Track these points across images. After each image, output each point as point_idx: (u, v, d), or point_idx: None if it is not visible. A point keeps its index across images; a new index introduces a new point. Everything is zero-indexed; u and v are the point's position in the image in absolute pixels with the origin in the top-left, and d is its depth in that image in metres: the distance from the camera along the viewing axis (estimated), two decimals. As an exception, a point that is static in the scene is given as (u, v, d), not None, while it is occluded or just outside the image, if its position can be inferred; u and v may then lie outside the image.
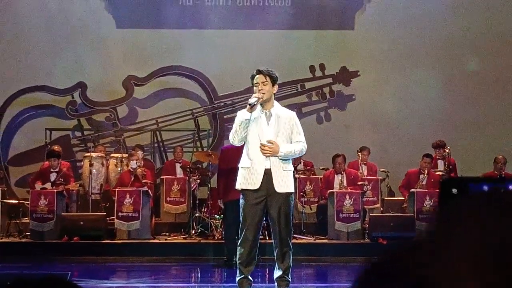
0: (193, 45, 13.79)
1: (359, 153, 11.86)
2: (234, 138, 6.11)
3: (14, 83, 13.70)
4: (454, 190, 1.04)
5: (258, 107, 6.12)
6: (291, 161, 6.28)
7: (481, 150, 12.93)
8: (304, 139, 6.23)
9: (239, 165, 6.26)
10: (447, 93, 13.77)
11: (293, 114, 6.27)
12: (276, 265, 6.27)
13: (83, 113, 13.96)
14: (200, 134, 13.79)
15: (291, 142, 6.17)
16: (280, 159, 6.09)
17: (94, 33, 13.72)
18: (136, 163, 11.17)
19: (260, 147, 6.04)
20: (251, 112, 6.00)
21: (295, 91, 13.95)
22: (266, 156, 6.06)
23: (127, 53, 13.83)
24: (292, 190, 6.22)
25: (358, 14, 14.00)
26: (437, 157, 11.81)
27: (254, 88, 6.15)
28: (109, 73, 13.77)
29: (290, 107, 13.42)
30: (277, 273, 6.26)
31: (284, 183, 6.11)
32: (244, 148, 6.20)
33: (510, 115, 13.67)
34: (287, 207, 6.15)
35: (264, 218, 6.49)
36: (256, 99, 5.99)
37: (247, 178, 6.11)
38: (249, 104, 5.97)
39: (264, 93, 6.05)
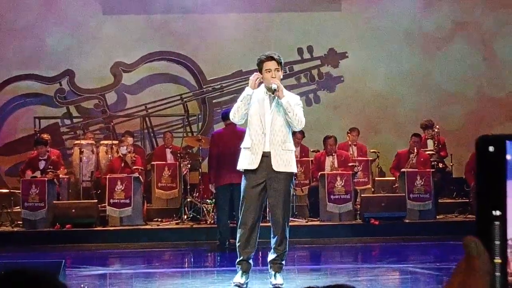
0: (180, 30, 13.73)
1: (349, 134, 11.91)
2: (234, 115, 6.11)
3: (1, 72, 13.61)
4: (491, 148, 0.98)
5: (263, 89, 6.15)
6: (291, 141, 6.22)
7: (472, 128, 12.95)
8: (304, 118, 6.21)
9: (241, 146, 6.26)
10: (436, 73, 13.78)
11: (297, 98, 6.34)
12: (272, 248, 6.23)
13: (72, 100, 13.89)
14: (190, 119, 13.76)
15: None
16: (279, 139, 6.03)
17: (81, 19, 13.63)
18: (126, 149, 11.16)
19: (271, 78, 6.05)
20: (253, 89, 6.04)
21: (284, 73, 13.88)
22: (273, 84, 6.02)
23: (114, 39, 13.75)
24: (293, 170, 6.14)
25: (345, -5, 13.96)
26: (426, 137, 11.84)
27: (265, 74, 6.14)
28: (97, 60, 13.69)
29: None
30: (271, 256, 6.22)
31: (283, 161, 6.03)
32: (247, 129, 6.21)
33: (499, 92, 13.69)
34: (286, 188, 6.07)
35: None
36: (277, 86, 6.04)
37: (248, 158, 6.09)
38: (274, 90, 6.02)
39: (278, 81, 6.13)
